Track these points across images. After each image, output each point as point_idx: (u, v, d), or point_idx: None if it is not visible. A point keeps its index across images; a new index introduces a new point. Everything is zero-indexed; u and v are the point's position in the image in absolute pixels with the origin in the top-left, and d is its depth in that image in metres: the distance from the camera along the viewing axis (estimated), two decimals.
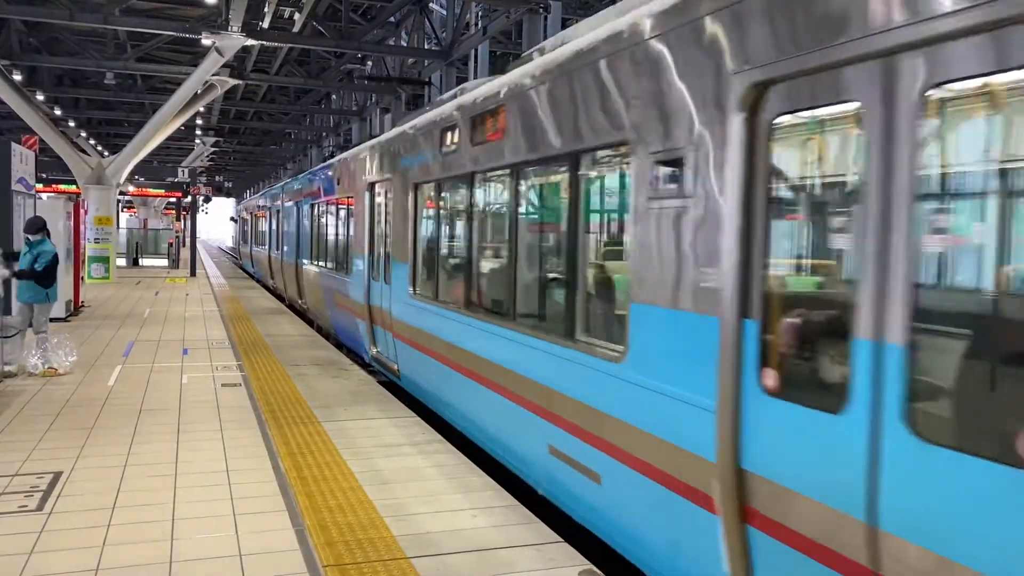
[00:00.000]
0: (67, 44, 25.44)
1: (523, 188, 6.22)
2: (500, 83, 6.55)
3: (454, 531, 4.90)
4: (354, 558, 4.46)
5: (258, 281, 28.33)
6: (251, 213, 32.98)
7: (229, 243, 78.51)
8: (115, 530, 4.81)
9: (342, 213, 13.35)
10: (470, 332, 6.93)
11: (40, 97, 26.75)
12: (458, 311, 7.27)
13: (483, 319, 6.67)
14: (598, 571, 4.39)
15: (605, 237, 5.49)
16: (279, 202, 22.60)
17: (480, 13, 19.77)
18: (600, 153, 5.10)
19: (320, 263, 15.30)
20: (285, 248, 20.76)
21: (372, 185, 10.96)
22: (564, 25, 16.95)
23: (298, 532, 4.82)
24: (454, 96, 8.47)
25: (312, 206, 16.54)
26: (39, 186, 20.60)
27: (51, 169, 29.50)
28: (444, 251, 8.21)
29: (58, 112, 30.06)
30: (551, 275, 5.99)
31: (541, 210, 6.40)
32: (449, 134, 7.60)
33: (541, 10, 15.99)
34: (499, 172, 6.54)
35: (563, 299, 5.42)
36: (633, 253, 4.37)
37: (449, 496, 5.54)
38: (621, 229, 4.97)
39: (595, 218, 5.50)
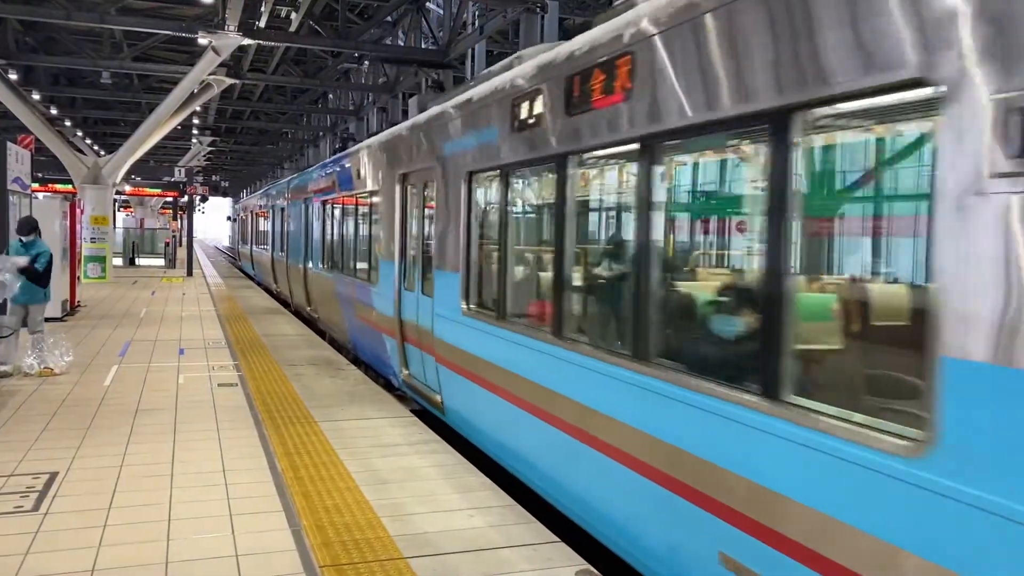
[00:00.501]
0: (63, 43, 25.38)
1: (664, 170, 4.45)
2: (620, 24, 4.64)
3: (451, 531, 4.89)
4: (351, 558, 4.46)
5: (259, 284, 26.77)
6: (252, 212, 30.90)
7: (226, 243, 78.47)
8: (111, 530, 4.79)
9: (363, 211, 11.57)
10: (562, 369, 5.19)
11: (36, 96, 26.71)
12: (542, 339, 5.46)
13: (589, 354, 4.89)
14: (595, 571, 4.39)
15: (854, 239, 3.80)
16: (284, 199, 20.69)
17: (477, 13, 19.76)
18: (842, 106, 3.22)
19: (335, 268, 13.50)
20: (291, 250, 18.85)
21: (405, 177, 9.16)
22: (561, 25, 16.95)
23: (295, 532, 4.82)
24: (510, 66, 6.93)
25: (324, 203, 14.70)
26: (35, 186, 20.59)
27: (47, 169, 29.49)
28: (516, 258, 6.53)
29: (54, 111, 30.02)
30: (721, 298, 4.43)
31: (704, 200, 4.81)
32: (525, 105, 5.80)
33: (538, 9, 15.97)
34: (616, 149, 4.85)
35: (752, 337, 3.64)
36: (947, 269, 2.60)
37: (446, 496, 5.53)
38: (894, 227, 3.42)
39: (828, 209, 3.81)
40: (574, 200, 5.38)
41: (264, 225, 25.89)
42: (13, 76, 23.01)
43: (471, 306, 6.97)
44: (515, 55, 7.14)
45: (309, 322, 16.10)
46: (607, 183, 5.55)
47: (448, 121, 7.66)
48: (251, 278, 29.77)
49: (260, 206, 27.85)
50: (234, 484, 5.68)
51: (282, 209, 21.02)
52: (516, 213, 6.61)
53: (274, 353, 11.57)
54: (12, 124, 27.08)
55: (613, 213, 5.55)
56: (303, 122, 41.20)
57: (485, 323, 6.51)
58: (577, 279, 5.52)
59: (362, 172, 11.52)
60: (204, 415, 7.72)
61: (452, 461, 6.38)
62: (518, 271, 6.55)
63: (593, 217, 5.83)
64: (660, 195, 4.42)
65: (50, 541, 4.62)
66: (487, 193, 7.02)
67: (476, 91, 7.11)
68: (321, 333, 14.55)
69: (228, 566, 4.34)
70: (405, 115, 22.73)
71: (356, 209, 12.08)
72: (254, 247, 29.76)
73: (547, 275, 5.78)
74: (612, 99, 4.59)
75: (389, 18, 23.00)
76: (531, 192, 6.59)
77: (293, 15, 19.66)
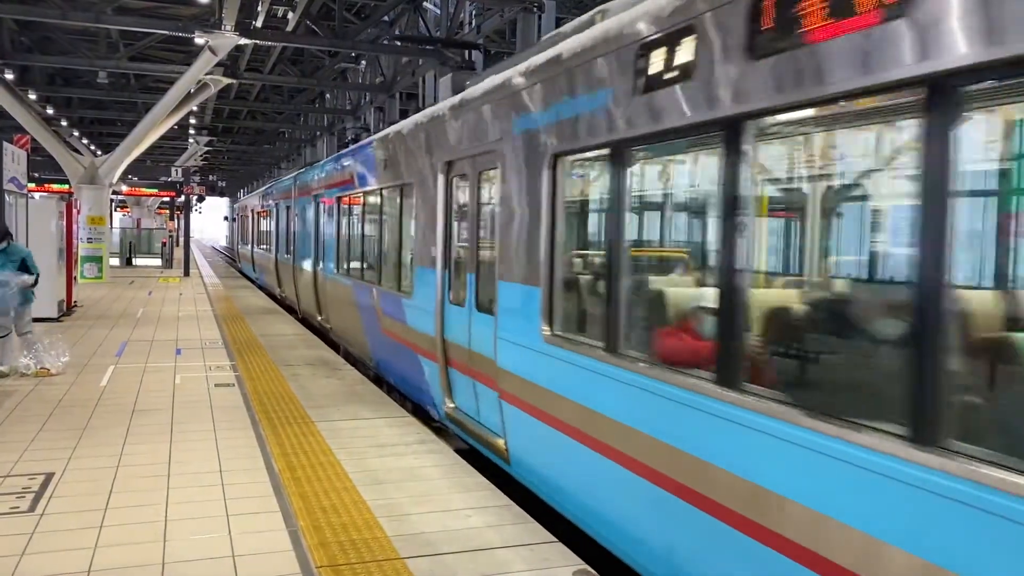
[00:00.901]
0: (59, 43, 25.34)
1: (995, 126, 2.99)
2: None
3: (448, 531, 4.89)
4: (348, 559, 4.45)
5: (260, 287, 25.05)
6: (253, 210, 28.66)
7: (223, 243, 78.43)
8: (107, 531, 4.79)
9: (390, 207, 9.85)
10: (734, 435, 3.56)
11: (32, 96, 26.65)
12: (699, 390, 3.78)
13: (792, 420, 3.22)
14: (592, 571, 4.39)
15: None
16: (291, 196, 18.79)
17: (474, 12, 19.76)
18: None
19: (354, 274, 11.73)
20: (299, 252, 17.09)
21: (451, 165, 7.52)
22: (558, 24, 16.97)
23: (292, 533, 4.81)
24: (591, 22, 5.42)
25: (340, 199, 12.90)
26: (31, 185, 20.54)
27: (43, 169, 29.45)
28: (637, 269, 4.91)
29: (50, 111, 29.98)
30: None
31: None
32: (661, 53, 4.12)
33: (535, 9, 15.98)
34: (862, 104, 3.17)
35: None
36: None
37: (443, 496, 5.53)
38: None
39: None
40: (757, 185, 3.71)
41: (267, 224, 23.91)
42: (9, 76, 22.97)
43: (558, 331, 5.30)
44: (596, 10, 5.52)
45: (320, 332, 14.47)
46: (832, 155, 3.79)
47: (519, 91, 5.89)
48: (252, 281, 28.40)
49: (263, 204, 25.67)
50: (231, 485, 5.67)
51: (287, 207, 19.36)
52: (638, 207, 4.91)
53: (271, 353, 11.55)
54: (8, 124, 27.08)
55: (859, 202, 3.86)
56: (300, 122, 41.20)
57: (584, 357, 4.84)
58: (767, 302, 3.97)
59: (390, 162, 9.75)
60: (201, 415, 7.71)
61: (449, 461, 6.37)
62: (640, 287, 4.85)
63: (795, 209, 4.14)
64: (966, 173, 2.74)
65: (46, 542, 4.61)
66: (585, 180, 5.43)
67: (567, 47, 5.29)
68: (335, 346, 13.20)
69: (225, 567, 4.33)
70: (403, 114, 22.63)
71: (381, 205, 10.32)
72: (255, 248, 28.00)
73: (701, 294, 4.16)
74: (858, 22, 2.96)
75: (386, 17, 22.99)
76: (665, 177, 4.91)
77: (290, 15, 19.66)
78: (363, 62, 28.08)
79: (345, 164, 12.81)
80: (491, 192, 6.58)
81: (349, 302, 11.79)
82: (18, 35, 24.27)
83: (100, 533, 4.75)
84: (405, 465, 6.22)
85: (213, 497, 5.42)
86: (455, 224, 7.54)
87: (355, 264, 11.78)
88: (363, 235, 11.39)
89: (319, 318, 14.66)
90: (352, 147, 13.20)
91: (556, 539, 4.82)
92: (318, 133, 39.55)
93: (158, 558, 4.41)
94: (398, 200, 9.35)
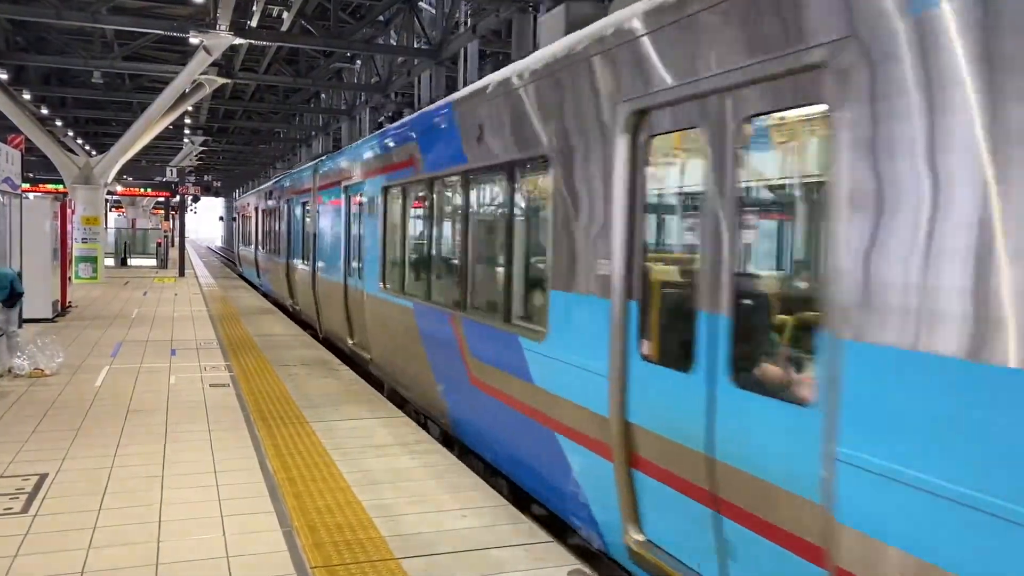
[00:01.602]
0: (54, 42, 25.28)
1: None
2: None
3: (443, 531, 4.88)
4: (343, 559, 4.44)
5: (264, 295, 22.53)
6: (257, 208, 25.11)
7: (219, 243, 78.36)
8: (101, 532, 4.77)
9: (491, 198, 6.93)
10: None
11: (27, 96, 26.59)
12: None
13: None
14: (587, 570, 4.39)
15: None
16: (311, 189, 15.48)
17: (469, 12, 19.74)
18: None
19: (415, 292, 8.52)
20: (322, 259, 13.81)
21: (645, 116, 4.31)
22: None
23: (286, 533, 4.80)
24: None
25: (388, 190, 9.67)
26: (25, 186, 20.50)
27: (38, 168, 29.38)
28: None
29: (45, 111, 29.86)
30: None
31: None
32: None
33: (531, 9, 15.97)
34: None
35: None
36: None
37: (438, 496, 5.52)
38: None
39: None
40: None
41: (277, 224, 20.33)
42: (3, 75, 22.91)
43: None
44: None
45: (340, 353, 12.08)
46: None
47: None
48: (256, 288, 25.04)
49: (271, 200, 21.91)
50: (225, 485, 5.66)
51: (303, 203, 16.30)
52: None
53: (266, 353, 11.53)
54: (3, 124, 27.00)
55: None
56: (295, 122, 41.15)
57: None
58: None
59: (492, 129, 6.43)
60: (196, 416, 7.69)
61: (444, 462, 6.36)
62: None
63: None
64: None
65: (39, 543, 4.59)
66: None
67: None
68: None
69: (219, 567, 4.32)
70: (399, 115, 22.47)
71: (468, 195, 7.08)
72: (260, 251, 24.22)
73: None
74: None
75: (381, 17, 22.97)
76: None
77: (285, 14, 19.64)
78: (358, 62, 28.05)
79: (400, 142, 9.34)
80: (784, 154, 3.69)
81: (407, 331, 8.59)
82: (13, 35, 24.20)
83: (94, 534, 4.74)
84: (401, 465, 6.21)
85: (208, 498, 5.40)
86: (655, 220, 4.56)
87: (419, 278, 8.63)
88: (432, 238, 8.31)
89: (351, 342, 11.46)
90: (410, 117, 9.53)
91: (551, 539, 4.82)
92: (313, 133, 39.52)
93: (152, 559, 4.39)
94: (508, 185, 6.23)
